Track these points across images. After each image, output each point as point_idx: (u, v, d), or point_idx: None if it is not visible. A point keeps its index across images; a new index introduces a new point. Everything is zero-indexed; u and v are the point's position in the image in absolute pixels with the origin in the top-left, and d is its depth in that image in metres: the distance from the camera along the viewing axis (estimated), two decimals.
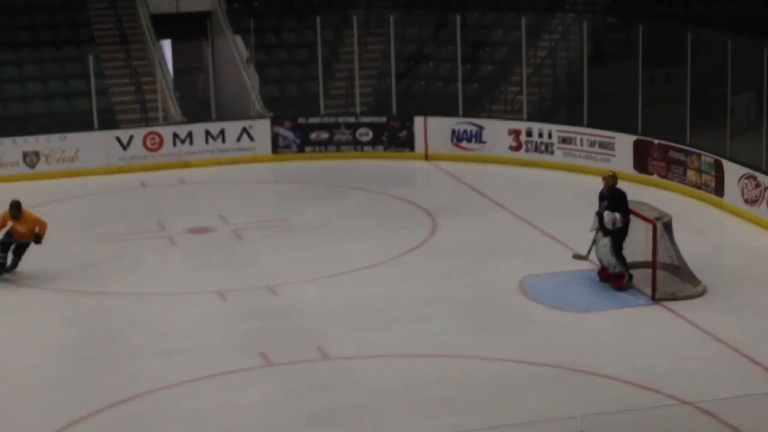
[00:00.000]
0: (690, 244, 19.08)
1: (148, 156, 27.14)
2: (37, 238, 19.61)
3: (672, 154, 24.27)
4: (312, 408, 14.57)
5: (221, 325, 17.46)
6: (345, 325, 17.32)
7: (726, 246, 21.63)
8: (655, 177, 24.53)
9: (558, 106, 28.60)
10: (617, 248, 18.21)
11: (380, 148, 27.93)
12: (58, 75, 29.09)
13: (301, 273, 19.63)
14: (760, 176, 21.77)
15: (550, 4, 30.44)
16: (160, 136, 27.28)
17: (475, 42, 29.84)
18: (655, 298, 17.79)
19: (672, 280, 18.24)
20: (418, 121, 27.71)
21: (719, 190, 22.89)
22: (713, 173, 23.10)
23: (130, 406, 14.73)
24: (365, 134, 27.97)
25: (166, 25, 30.38)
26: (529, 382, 15.21)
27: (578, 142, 26.05)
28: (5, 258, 19.55)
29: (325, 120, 28.11)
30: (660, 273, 17.99)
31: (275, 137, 27.90)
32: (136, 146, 27.06)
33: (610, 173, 18.75)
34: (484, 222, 22.52)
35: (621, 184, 18.68)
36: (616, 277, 18.30)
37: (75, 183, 25.98)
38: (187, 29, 31.35)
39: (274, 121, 27.99)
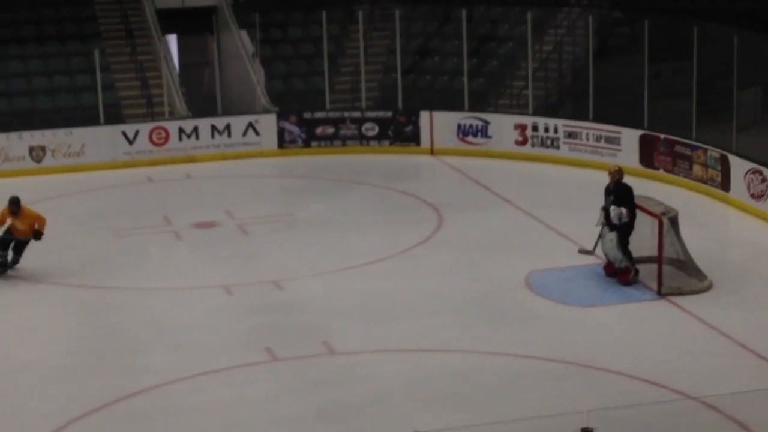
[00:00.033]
0: (696, 239, 19.05)
1: (154, 151, 27.15)
2: (37, 235, 19.42)
3: (678, 148, 24.22)
4: (317, 403, 14.55)
5: (227, 319, 17.45)
6: (351, 320, 17.32)
7: (732, 241, 21.61)
8: (661, 172, 24.48)
9: (564, 101, 28.55)
10: (623, 243, 18.19)
11: (386, 142, 27.90)
12: (63, 70, 29.10)
13: (307, 268, 19.62)
14: (767, 171, 21.72)
15: None
16: (165, 130, 27.28)
17: (481, 36, 29.81)
18: (661, 293, 17.77)
19: (678, 275, 18.22)
20: (424, 116, 27.68)
21: (725, 185, 22.84)
22: (719, 168, 23.05)
23: (136, 401, 14.73)
24: (371, 129, 27.93)
25: (172, 19, 30.35)
26: (534, 377, 15.19)
27: (584, 136, 26.00)
28: (5, 256, 19.44)
29: (331, 115, 28.09)
30: (666, 268, 17.96)
31: (281, 132, 27.89)
32: (142, 141, 27.06)
33: (616, 168, 18.69)
34: (489, 217, 22.50)
35: (627, 179, 18.63)
36: (622, 272, 18.28)
37: (81, 178, 25.98)
38: (192, 24, 31.33)
39: (280, 116, 27.98)
